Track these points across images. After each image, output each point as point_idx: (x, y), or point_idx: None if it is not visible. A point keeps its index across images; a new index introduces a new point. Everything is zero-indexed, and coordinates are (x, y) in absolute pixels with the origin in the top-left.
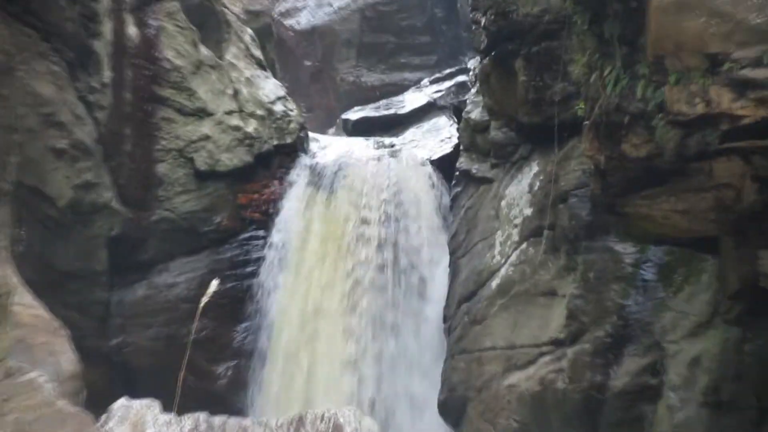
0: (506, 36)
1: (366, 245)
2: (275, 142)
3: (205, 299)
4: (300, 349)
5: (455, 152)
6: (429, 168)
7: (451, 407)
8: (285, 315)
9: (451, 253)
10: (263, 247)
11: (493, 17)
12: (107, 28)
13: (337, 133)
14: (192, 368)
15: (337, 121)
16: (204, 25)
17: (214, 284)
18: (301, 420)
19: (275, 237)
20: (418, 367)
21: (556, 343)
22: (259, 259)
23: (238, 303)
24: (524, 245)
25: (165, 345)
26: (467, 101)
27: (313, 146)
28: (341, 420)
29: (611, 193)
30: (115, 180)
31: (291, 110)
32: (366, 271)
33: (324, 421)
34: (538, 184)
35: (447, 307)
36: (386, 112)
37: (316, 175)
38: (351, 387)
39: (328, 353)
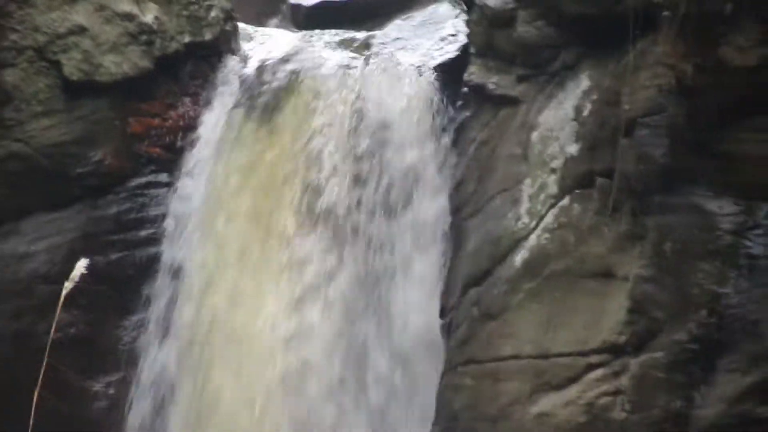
0: None
1: (321, 204)
2: (187, 39)
3: (69, 285)
4: (219, 360)
5: (463, 58)
6: (423, 81)
7: None
8: (198, 305)
9: (454, 212)
10: (167, 199)
11: None
12: None
13: (282, 26)
14: (54, 384)
15: (283, 7)
16: None
17: (82, 266)
18: None
19: (185, 185)
20: (399, 386)
21: (613, 351)
22: (161, 218)
23: (128, 285)
24: (566, 200)
25: (12, 348)
26: None
27: (245, 46)
28: None
29: (702, 122)
30: None
31: None
32: (319, 246)
33: None
34: (589, 107)
35: (446, 293)
36: None
37: (249, 92)
38: (294, 418)
39: (261, 368)
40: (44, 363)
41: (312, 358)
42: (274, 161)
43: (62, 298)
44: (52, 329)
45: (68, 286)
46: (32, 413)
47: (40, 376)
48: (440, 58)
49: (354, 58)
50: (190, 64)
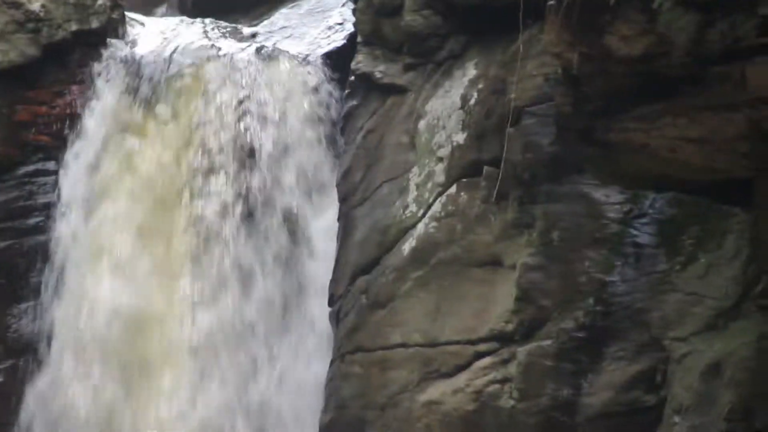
0: None
1: (210, 191)
2: (74, 27)
3: None
4: (115, 344)
5: (350, 47)
6: (310, 70)
7: None
8: (91, 291)
9: (342, 200)
10: (55, 187)
11: None
12: None
13: (170, 14)
14: None
15: None
16: None
17: None
18: None
19: (72, 173)
20: (291, 372)
21: (501, 339)
22: (49, 206)
23: (17, 273)
24: (453, 189)
25: None
26: None
27: (132, 33)
28: None
29: (588, 112)
30: None
31: None
32: (209, 236)
33: None
34: (475, 96)
35: (334, 281)
36: None
37: (136, 79)
38: (192, 402)
39: (157, 350)
40: None
41: None
42: (160, 148)
43: None
44: None
45: None
46: None
47: None
48: (327, 46)
49: (240, 47)
50: (77, 52)
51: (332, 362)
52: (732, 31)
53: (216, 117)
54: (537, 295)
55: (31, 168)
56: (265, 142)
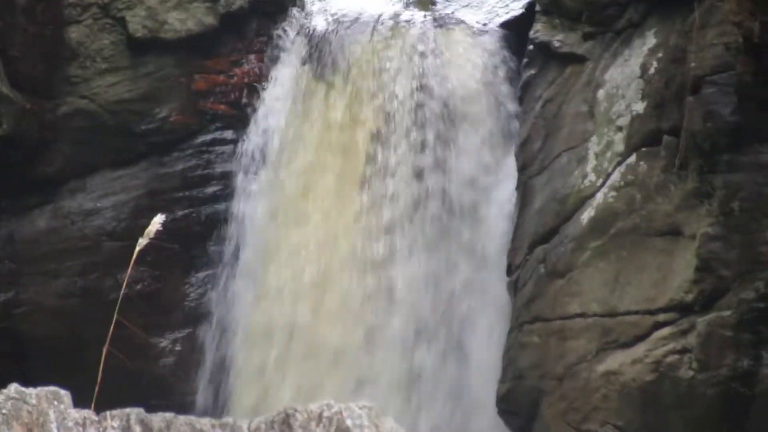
0: None
1: (390, 158)
2: None
3: (143, 241)
4: (289, 315)
5: (528, 16)
6: (489, 39)
7: (516, 403)
8: (266, 262)
9: (521, 170)
10: (232, 156)
11: None
12: None
13: None
14: (122, 340)
15: None
16: None
17: (158, 221)
18: (287, 421)
19: (251, 142)
20: (468, 340)
21: (680, 309)
22: (227, 175)
23: (194, 241)
24: (633, 158)
25: (80, 304)
26: None
27: (309, 2)
28: (349, 422)
29: None
30: (3, 50)
31: None
32: (391, 200)
33: (322, 423)
34: (655, 65)
35: (512, 251)
36: None
37: (316, 48)
38: (365, 372)
39: (330, 322)
40: (113, 319)
41: None
42: (342, 117)
43: (135, 254)
44: (123, 285)
45: (142, 242)
46: (100, 371)
47: (109, 334)
48: (505, 15)
49: (419, 15)
50: (255, 21)
51: (510, 332)
52: None
53: (393, 86)
54: (717, 266)
55: (208, 137)
56: (438, 111)
